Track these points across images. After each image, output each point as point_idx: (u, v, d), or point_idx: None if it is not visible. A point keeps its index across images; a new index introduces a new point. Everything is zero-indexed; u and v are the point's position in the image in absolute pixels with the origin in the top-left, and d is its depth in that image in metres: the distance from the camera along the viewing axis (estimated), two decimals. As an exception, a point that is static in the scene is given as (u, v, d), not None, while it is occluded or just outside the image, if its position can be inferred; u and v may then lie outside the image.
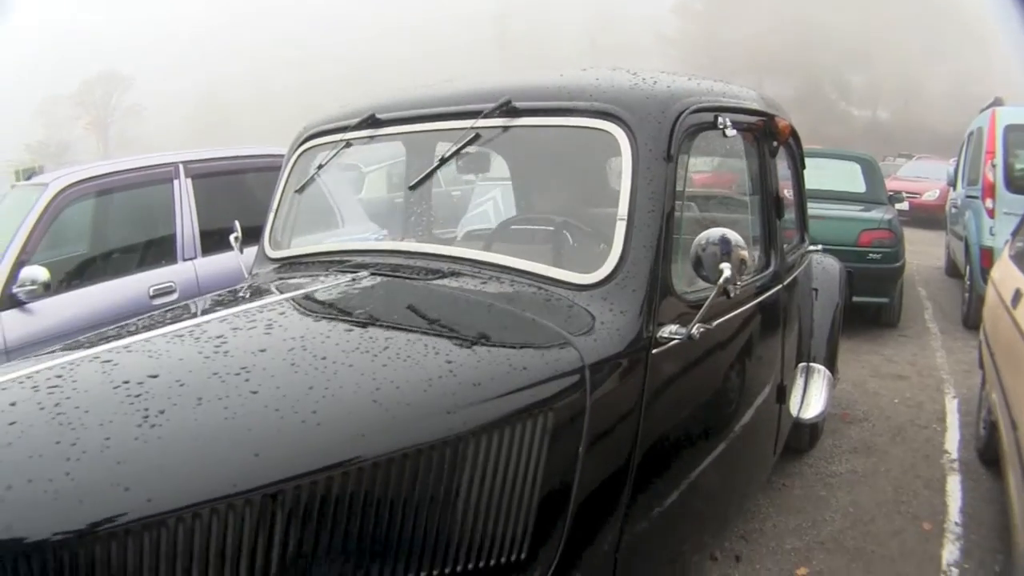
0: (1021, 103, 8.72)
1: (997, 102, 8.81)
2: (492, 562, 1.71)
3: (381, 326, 1.97)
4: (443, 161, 2.46)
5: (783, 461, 4.19)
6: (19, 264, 4.18)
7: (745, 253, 1.97)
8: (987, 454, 4.19)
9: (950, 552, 3.44)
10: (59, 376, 1.62)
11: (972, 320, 6.67)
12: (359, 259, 2.50)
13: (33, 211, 4.36)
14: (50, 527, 1.27)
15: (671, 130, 2.15)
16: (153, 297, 4.53)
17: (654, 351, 2.04)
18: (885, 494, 3.98)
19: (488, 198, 3.87)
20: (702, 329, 2.09)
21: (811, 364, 3.89)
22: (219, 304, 2.24)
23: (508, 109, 2.31)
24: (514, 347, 1.89)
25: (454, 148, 2.39)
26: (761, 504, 3.80)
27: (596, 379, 1.88)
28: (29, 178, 5.56)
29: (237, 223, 3.09)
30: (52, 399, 1.53)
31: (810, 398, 3.75)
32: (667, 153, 2.12)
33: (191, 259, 4.87)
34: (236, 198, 5.08)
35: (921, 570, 3.31)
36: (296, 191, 2.90)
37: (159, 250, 4.85)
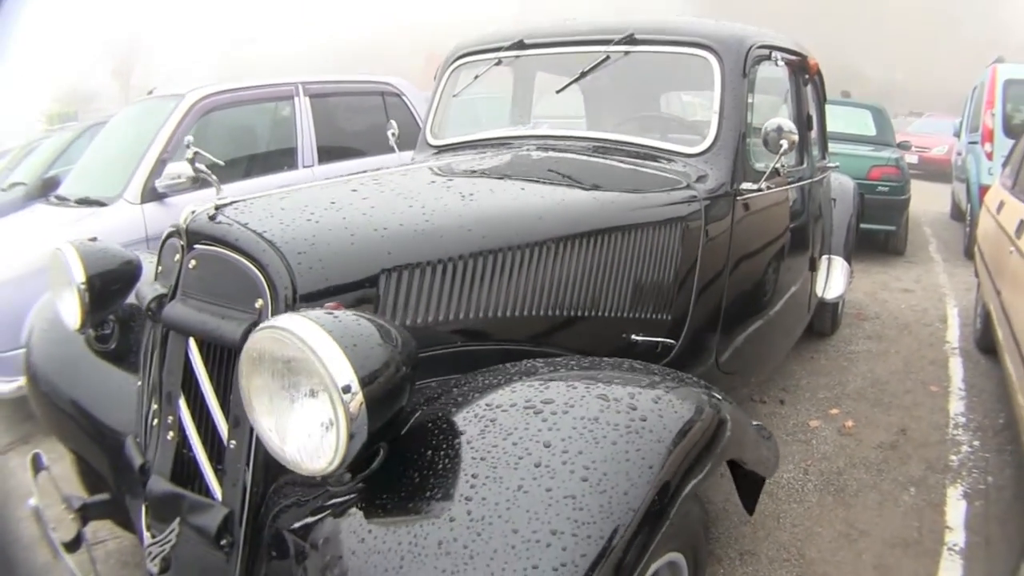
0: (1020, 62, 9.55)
1: (999, 59, 9.69)
2: (649, 315, 2.62)
3: (568, 170, 2.82)
4: (583, 74, 3.20)
5: (811, 340, 5.07)
6: (161, 162, 4.61)
7: (795, 136, 2.83)
8: (983, 343, 4.99)
9: (956, 407, 4.25)
10: (374, 179, 2.37)
11: (972, 252, 7.44)
12: (515, 143, 3.25)
13: (172, 117, 4.80)
14: (419, 254, 1.92)
15: (745, 57, 3.04)
16: None
17: (738, 198, 2.95)
18: (897, 366, 4.85)
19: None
20: (767, 187, 3.01)
21: (832, 256, 4.77)
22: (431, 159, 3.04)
23: (630, 39, 3.17)
24: (660, 184, 2.78)
25: (592, 65, 3.19)
26: (795, 370, 4.68)
27: (707, 209, 2.79)
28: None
29: (393, 122, 3.79)
30: (382, 188, 2.27)
31: (832, 281, 4.68)
32: (743, 72, 3.01)
33: (309, 166, 5.40)
34: (346, 116, 5.71)
35: (933, 415, 4.11)
36: (453, 95, 3.64)
37: (281, 158, 5.38)
